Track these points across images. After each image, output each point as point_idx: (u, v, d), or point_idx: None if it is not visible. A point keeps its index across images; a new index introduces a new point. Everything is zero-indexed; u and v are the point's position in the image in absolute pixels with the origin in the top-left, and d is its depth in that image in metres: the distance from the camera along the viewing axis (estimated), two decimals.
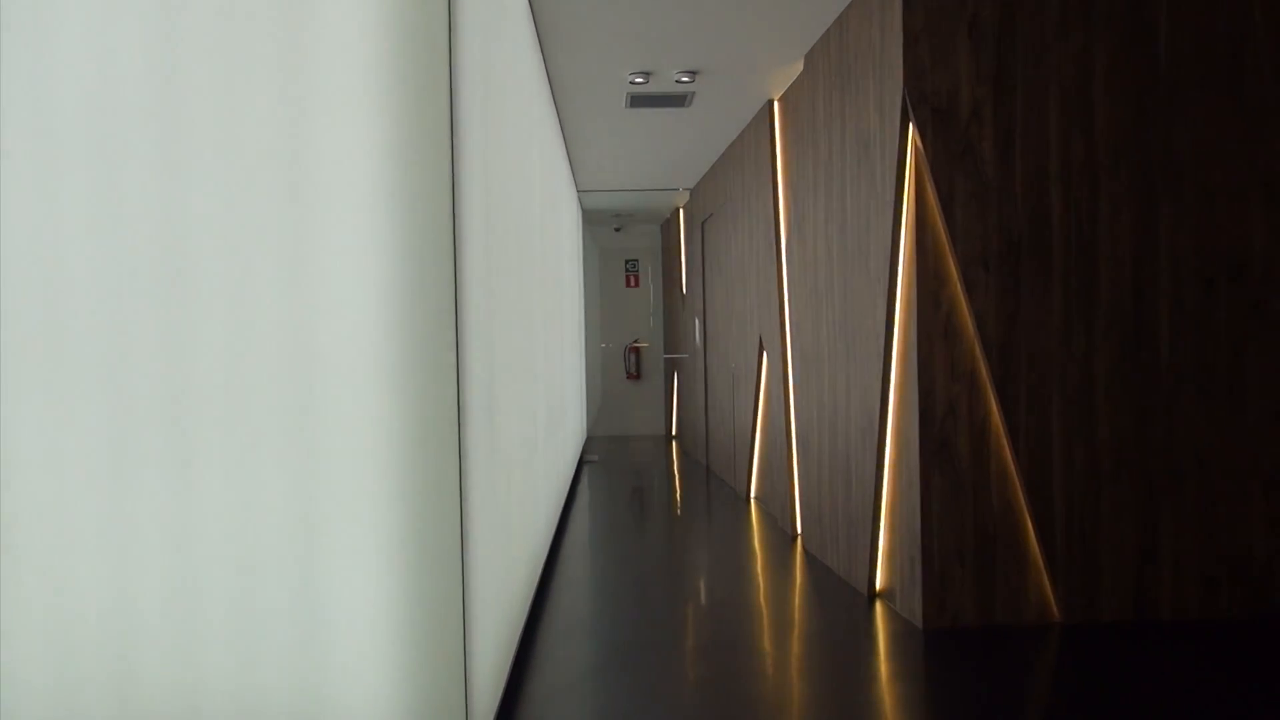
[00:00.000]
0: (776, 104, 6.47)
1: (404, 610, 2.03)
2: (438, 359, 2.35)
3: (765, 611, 4.59)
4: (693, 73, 5.94)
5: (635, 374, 13.16)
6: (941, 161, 4.10)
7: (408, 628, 2.07)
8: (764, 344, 6.90)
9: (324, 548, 1.67)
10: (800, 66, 5.79)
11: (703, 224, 9.66)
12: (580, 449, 10.09)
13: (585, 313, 12.20)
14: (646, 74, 5.96)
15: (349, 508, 1.78)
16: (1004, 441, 4.12)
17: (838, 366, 5.10)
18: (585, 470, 9.68)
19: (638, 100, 6.53)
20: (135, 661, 1.58)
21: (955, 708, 3.35)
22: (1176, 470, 4.16)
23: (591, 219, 12.16)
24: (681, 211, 11.08)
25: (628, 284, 13.25)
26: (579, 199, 10.45)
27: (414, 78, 2.22)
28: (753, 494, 7.53)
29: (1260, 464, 4.19)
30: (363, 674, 1.83)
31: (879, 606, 4.50)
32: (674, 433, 12.46)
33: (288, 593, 1.54)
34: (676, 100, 6.54)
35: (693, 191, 10.20)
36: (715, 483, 8.62)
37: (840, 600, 4.67)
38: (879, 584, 4.62)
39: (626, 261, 13.24)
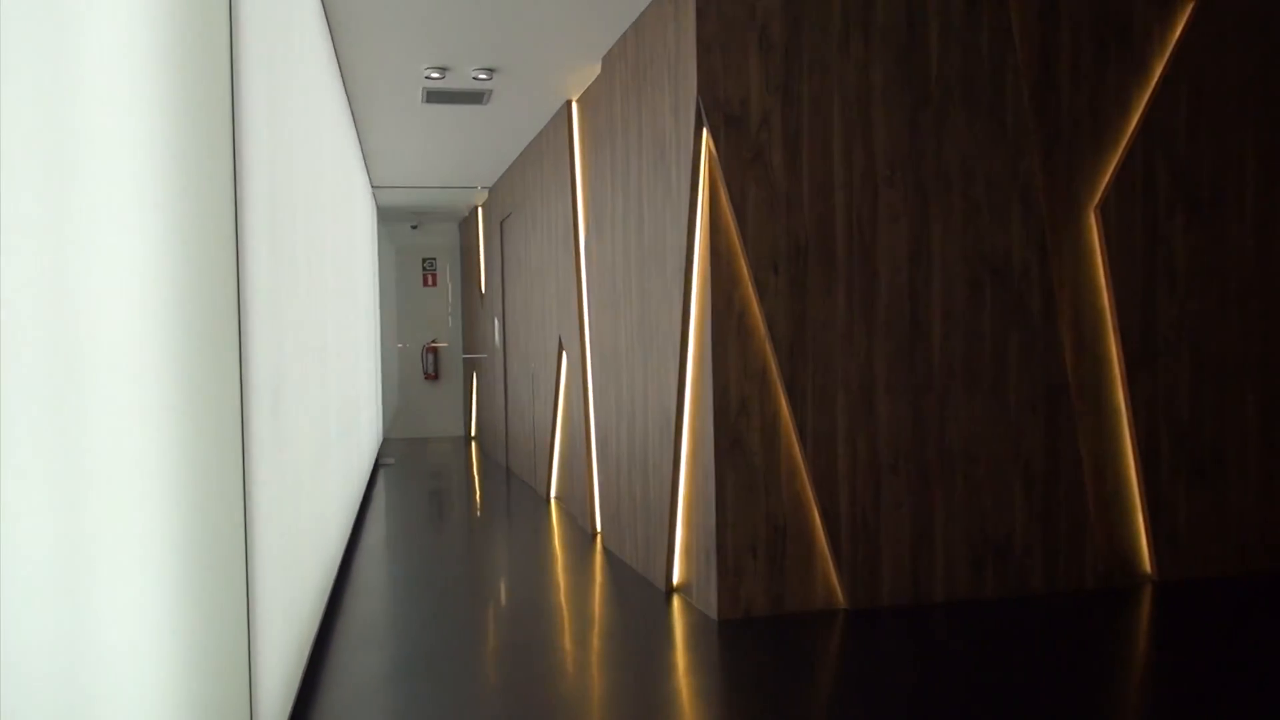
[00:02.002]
0: (575, 104, 6.51)
1: (181, 622, 1.92)
2: (218, 359, 2.23)
3: (565, 611, 4.60)
4: (490, 70, 5.89)
5: (433, 374, 12.93)
6: (734, 167, 4.23)
7: (186, 640, 1.95)
8: (563, 344, 6.93)
9: (90, 560, 1.55)
10: (598, 68, 5.85)
11: (502, 223, 9.60)
12: (376, 452, 9.83)
13: (381, 312, 11.90)
14: (443, 69, 5.87)
15: (119, 516, 1.66)
16: (793, 437, 4.29)
17: (635, 366, 5.17)
18: (381, 473, 9.43)
19: (434, 96, 6.42)
20: None
21: (747, 695, 3.47)
22: (947, 460, 4.45)
23: (387, 216, 11.86)
24: (480, 210, 10.97)
25: (425, 283, 13.00)
26: (374, 195, 10.18)
27: (192, 64, 2.10)
28: (553, 494, 7.54)
29: (1019, 453, 4.53)
30: (135, 691, 1.71)
31: (676, 600, 4.60)
32: (473, 434, 12.32)
33: (48, 610, 1.42)
34: (474, 97, 6.47)
35: (492, 190, 10.12)
36: (516, 483, 8.58)
37: (639, 596, 4.74)
38: (676, 579, 4.72)
39: (424, 260, 12.99)
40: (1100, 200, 4.63)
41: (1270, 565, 4.85)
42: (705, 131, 4.25)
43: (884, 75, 4.38)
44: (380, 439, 10.86)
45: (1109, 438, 4.67)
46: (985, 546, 4.50)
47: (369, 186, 9.45)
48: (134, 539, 1.72)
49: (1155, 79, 4.69)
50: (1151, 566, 4.70)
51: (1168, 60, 4.70)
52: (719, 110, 4.22)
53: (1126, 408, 4.66)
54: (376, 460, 9.93)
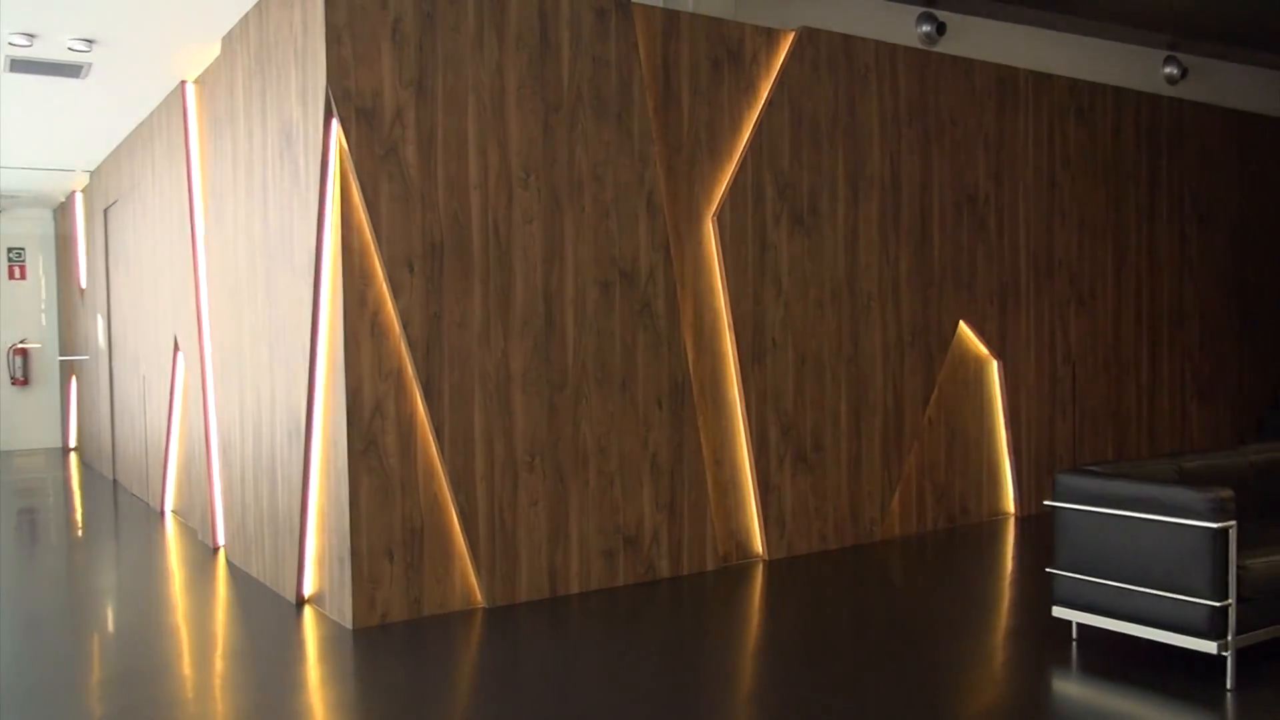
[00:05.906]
0: (192, 86, 6.02)
1: None
2: None
3: (184, 632, 4.25)
4: (89, 41, 5.31)
5: (22, 379, 11.48)
6: (366, 161, 4.10)
7: None
8: (179, 344, 6.39)
9: None
10: (218, 49, 5.45)
11: (106, 210, 8.70)
12: None
13: None
14: (30, 36, 5.21)
15: None
16: (430, 438, 4.24)
17: (261, 367, 4.88)
18: None
19: (20, 65, 5.69)
20: None
21: (384, 702, 3.38)
22: (582, 456, 4.60)
23: None
24: (81, 196, 9.88)
25: (11, 276, 11.51)
26: None
27: None
28: (169, 507, 6.95)
29: (647, 446, 4.77)
30: None
31: (309, 612, 4.39)
32: (73, 445, 11.08)
33: None
34: (70, 70, 5.81)
35: (94, 174, 9.15)
36: (125, 498, 7.81)
37: (267, 611, 4.48)
38: (309, 589, 4.51)
39: (10, 250, 11.50)
40: (717, 209, 4.99)
41: (857, 539, 5.46)
42: (335, 123, 4.09)
43: (518, 78, 4.44)
44: None
45: (726, 430, 5.04)
46: (617, 537, 4.69)
47: None
48: None
49: (763, 100, 5.12)
50: (763, 547, 5.13)
51: (773, 84, 5.15)
52: (350, 102, 4.08)
53: (741, 402, 5.05)
54: None
